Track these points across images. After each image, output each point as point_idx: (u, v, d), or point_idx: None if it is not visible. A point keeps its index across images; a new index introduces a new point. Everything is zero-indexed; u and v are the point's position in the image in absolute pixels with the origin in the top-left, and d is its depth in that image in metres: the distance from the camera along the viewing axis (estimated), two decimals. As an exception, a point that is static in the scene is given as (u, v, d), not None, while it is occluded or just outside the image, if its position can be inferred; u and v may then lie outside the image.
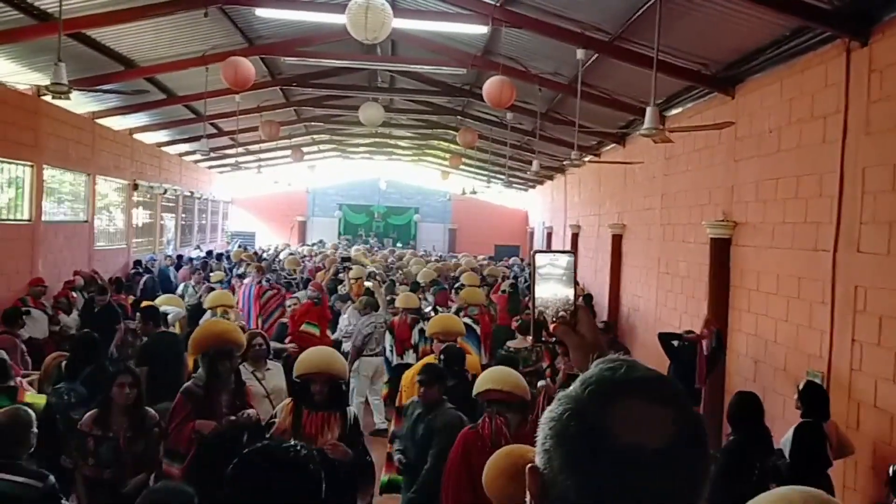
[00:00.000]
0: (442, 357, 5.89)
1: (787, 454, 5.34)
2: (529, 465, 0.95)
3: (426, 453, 4.77)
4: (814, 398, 5.47)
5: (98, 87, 10.43)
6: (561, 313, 1.36)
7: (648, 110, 6.19)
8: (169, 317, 8.50)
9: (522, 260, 25.00)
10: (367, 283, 11.93)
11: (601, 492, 0.87)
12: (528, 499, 0.96)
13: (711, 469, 0.94)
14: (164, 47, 10.90)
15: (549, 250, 1.42)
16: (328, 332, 9.60)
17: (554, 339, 1.37)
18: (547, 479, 0.92)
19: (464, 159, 21.87)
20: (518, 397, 4.34)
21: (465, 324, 8.47)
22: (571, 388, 0.95)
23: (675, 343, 7.92)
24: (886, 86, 5.71)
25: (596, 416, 0.89)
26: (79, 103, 12.54)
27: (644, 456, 0.86)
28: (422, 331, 9.10)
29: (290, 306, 9.61)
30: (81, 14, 8.42)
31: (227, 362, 4.82)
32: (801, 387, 5.55)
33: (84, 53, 9.96)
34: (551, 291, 1.37)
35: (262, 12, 9.13)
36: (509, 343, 8.10)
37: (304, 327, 8.70)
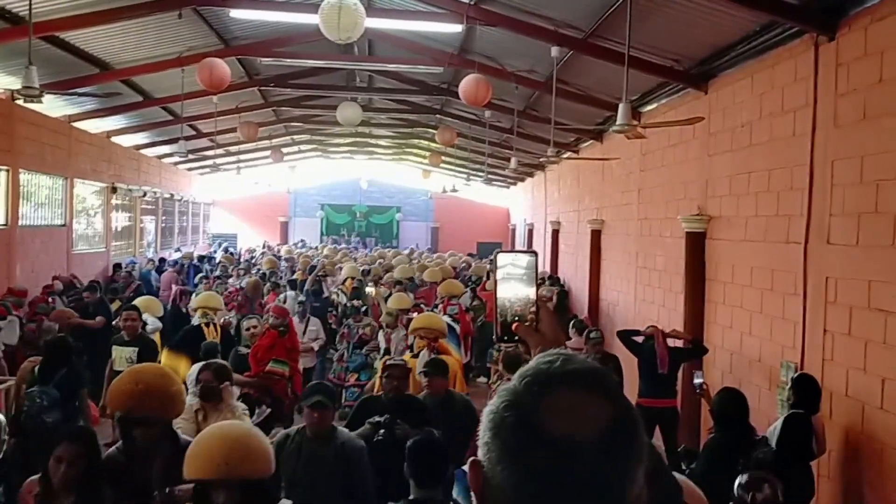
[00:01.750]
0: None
1: (773, 443, 5.40)
2: (472, 458, 0.96)
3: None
4: (807, 390, 5.54)
5: (72, 91, 10.34)
6: (530, 315, 1.38)
7: (621, 106, 6.25)
8: (148, 326, 8.45)
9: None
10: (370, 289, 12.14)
11: (536, 482, 0.89)
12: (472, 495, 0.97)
13: (646, 459, 0.94)
14: (139, 49, 10.85)
15: (511, 250, 1.44)
16: (299, 366, 8.10)
17: (516, 338, 1.39)
18: (486, 472, 0.94)
19: (444, 157, 21.89)
20: None
21: (446, 322, 8.51)
22: (509, 383, 0.97)
23: (636, 338, 8.18)
24: (853, 79, 5.80)
25: (530, 407, 0.91)
26: (54, 107, 12.46)
27: (577, 446, 0.88)
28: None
29: (247, 330, 8.07)
30: (53, 17, 8.37)
31: (144, 429, 3.60)
32: (794, 377, 5.61)
33: (58, 56, 9.89)
34: (513, 291, 1.39)
35: (236, 13, 9.11)
36: (499, 344, 8.03)
37: (270, 366, 7.10)
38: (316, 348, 10.08)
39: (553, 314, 1.46)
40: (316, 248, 23.52)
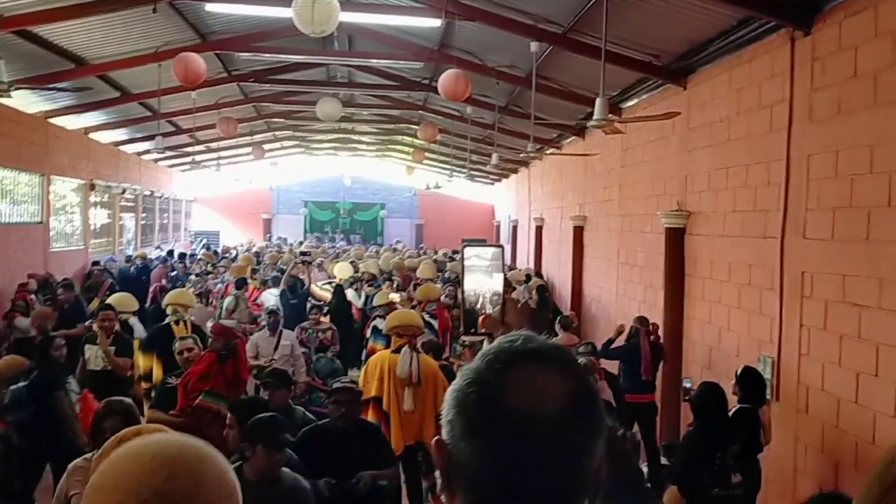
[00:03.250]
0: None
1: None
2: (436, 437, 0.99)
3: None
4: (752, 383, 5.54)
5: (44, 86, 10.18)
6: (496, 308, 1.40)
7: (598, 101, 6.23)
8: (135, 332, 8.36)
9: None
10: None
11: (498, 456, 0.92)
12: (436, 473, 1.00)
13: (604, 433, 0.98)
14: (115, 44, 10.70)
15: (477, 243, 1.45)
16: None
17: (483, 330, 1.41)
18: (451, 450, 0.96)
19: (427, 154, 21.83)
20: None
21: (423, 319, 8.46)
22: (472, 363, 1.00)
23: (614, 346, 8.37)
24: (828, 74, 5.80)
25: (492, 383, 0.94)
26: (29, 102, 12.29)
27: (538, 420, 0.91)
28: (375, 328, 9.12)
29: (180, 354, 6.30)
30: (25, 11, 8.23)
31: None
32: (737, 371, 5.62)
33: (32, 52, 9.74)
34: (478, 283, 1.41)
35: (211, 7, 9.01)
36: (464, 338, 8.02)
37: (200, 399, 5.63)
38: (304, 379, 8.03)
39: (518, 307, 1.48)
40: (290, 245, 23.30)
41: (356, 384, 5.28)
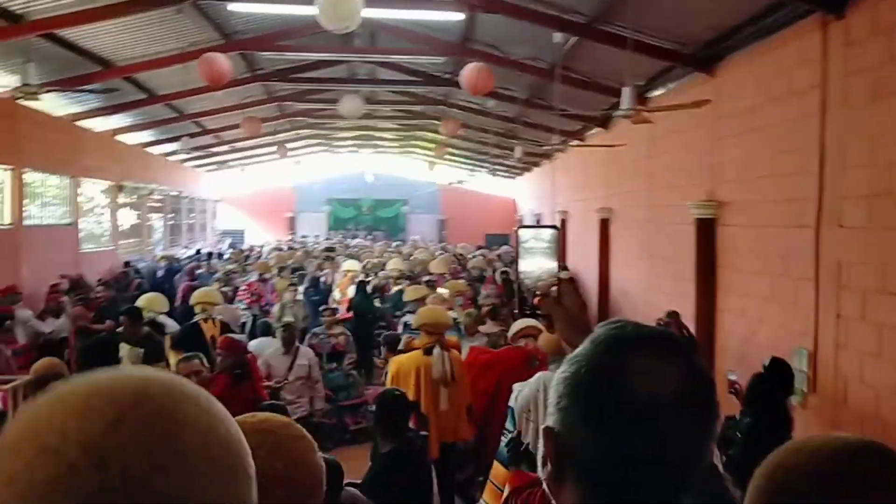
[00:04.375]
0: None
1: None
2: (544, 426, 0.98)
3: None
4: (780, 375, 5.42)
5: (73, 88, 10.28)
6: (540, 284, 1.40)
7: (624, 91, 6.16)
8: (167, 328, 8.44)
9: (513, 248, 24.99)
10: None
11: (620, 442, 0.90)
12: (543, 464, 0.99)
13: (719, 414, 0.97)
14: (141, 46, 10.78)
15: (533, 225, 1.47)
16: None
17: (539, 311, 1.41)
18: (563, 438, 0.95)
19: (449, 149, 21.79)
20: None
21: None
22: (580, 348, 0.99)
23: None
24: (863, 58, 5.67)
25: (612, 369, 0.93)
26: (58, 105, 12.43)
27: (660, 405, 0.90)
28: (406, 324, 9.06)
29: (187, 378, 5.80)
30: (52, 14, 8.31)
31: None
32: (766, 363, 5.50)
33: (60, 55, 9.86)
34: (536, 264, 1.42)
35: (234, 7, 9.03)
36: (480, 328, 7.89)
37: None
38: (321, 406, 7.60)
39: (575, 289, 1.47)
40: (302, 242, 23.28)
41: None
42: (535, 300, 1.38)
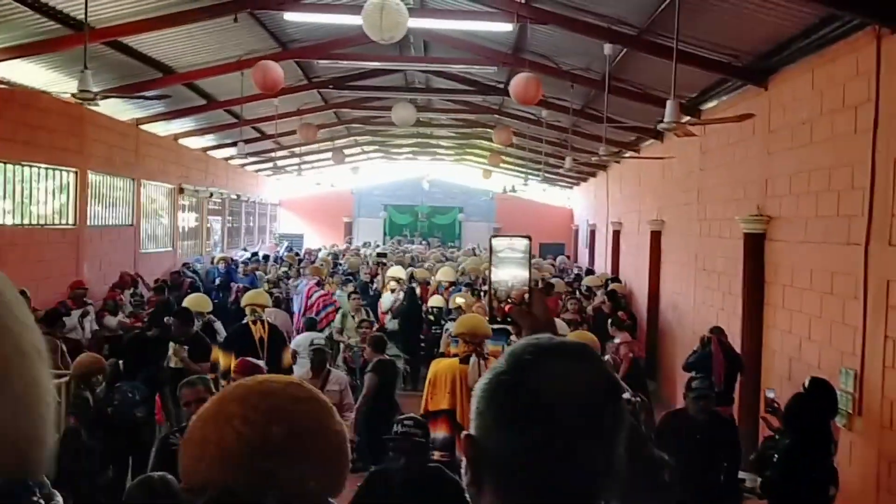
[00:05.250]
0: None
1: None
2: (464, 433, 1.03)
3: None
4: (822, 395, 5.29)
5: (131, 95, 10.67)
6: (514, 293, 1.42)
7: (668, 104, 6.10)
8: (217, 336, 8.71)
9: (569, 258, 24.81)
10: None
11: (528, 442, 0.95)
12: (465, 471, 1.04)
13: (628, 426, 1.02)
14: (200, 53, 11.12)
15: (507, 235, 1.49)
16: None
17: (508, 318, 1.45)
18: (480, 443, 1.00)
19: (504, 158, 21.79)
20: None
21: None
22: (499, 360, 1.05)
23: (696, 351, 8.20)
24: (917, 73, 5.51)
25: (523, 374, 0.99)
26: (122, 110, 12.89)
27: (567, 407, 0.96)
28: (447, 331, 9.11)
29: (186, 405, 4.97)
30: (114, 23, 8.65)
31: None
32: (806, 384, 5.37)
33: (123, 62, 10.23)
34: (510, 274, 1.44)
35: (289, 16, 9.24)
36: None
37: None
38: (350, 437, 7.66)
39: (544, 298, 1.51)
40: (357, 248, 23.41)
41: (420, 426, 4.63)
42: (507, 308, 1.43)
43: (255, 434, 1.14)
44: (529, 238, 1.48)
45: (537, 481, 0.96)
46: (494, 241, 1.47)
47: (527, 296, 1.45)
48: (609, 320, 9.23)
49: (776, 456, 5.32)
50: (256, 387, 1.23)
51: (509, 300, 1.44)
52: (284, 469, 1.14)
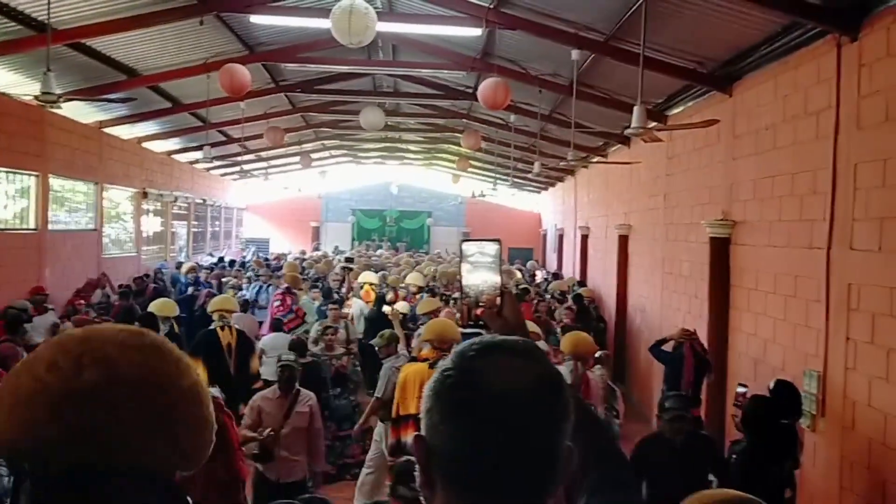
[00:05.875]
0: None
1: None
2: (415, 434, 1.04)
3: None
4: (786, 397, 5.39)
5: (95, 97, 10.50)
6: (485, 297, 1.43)
7: (635, 109, 6.15)
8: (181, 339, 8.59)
9: (538, 262, 24.92)
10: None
11: (473, 433, 0.97)
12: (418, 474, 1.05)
13: (572, 417, 1.04)
14: (166, 56, 10.99)
15: (477, 239, 1.49)
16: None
17: (480, 322, 1.45)
18: (429, 443, 1.01)
19: (472, 162, 21.85)
20: None
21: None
22: (447, 360, 1.07)
23: (664, 347, 8.23)
24: (876, 80, 5.62)
25: (467, 367, 1.02)
26: (85, 113, 12.68)
27: (509, 398, 0.98)
28: (419, 336, 9.05)
29: None
30: (77, 24, 8.51)
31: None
32: (771, 386, 5.46)
33: (86, 64, 10.07)
34: (481, 278, 1.45)
35: (255, 19, 9.18)
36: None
37: None
38: (322, 467, 6.54)
39: (515, 301, 1.52)
40: (326, 254, 23.16)
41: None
42: (478, 311, 1.44)
43: (58, 381, 0.96)
44: (500, 241, 1.48)
45: (483, 478, 0.97)
46: (465, 246, 1.47)
47: (498, 299, 1.45)
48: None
49: (734, 457, 5.41)
50: (81, 332, 1.05)
51: (480, 304, 1.45)
52: (101, 424, 0.96)
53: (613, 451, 1.52)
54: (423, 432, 1.03)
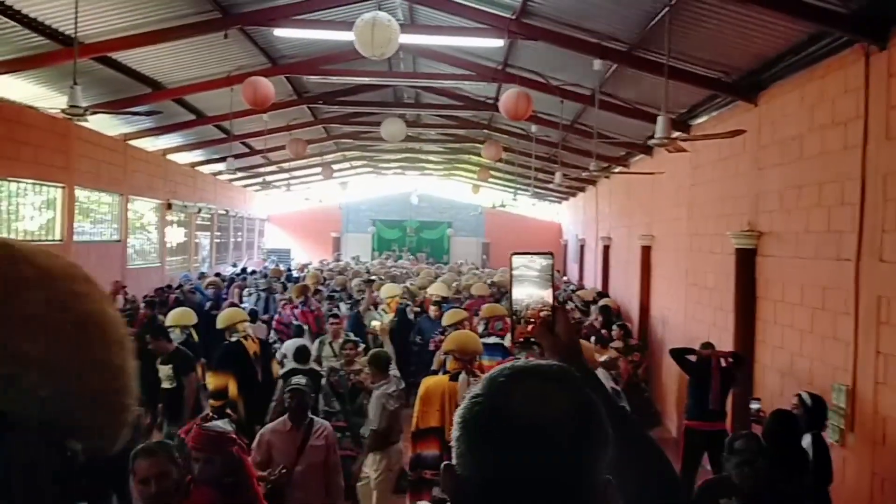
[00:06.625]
0: None
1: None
2: (444, 463, 1.02)
3: None
4: (814, 409, 5.30)
5: (121, 111, 10.62)
6: (543, 312, 1.40)
7: (659, 119, 6.10)
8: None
9: (559, 272, 24.81)
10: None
11: (503, 465, 0.94)
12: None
13: (610, 448, 0.99)
14: (190, 69, 11.10)
15: (526, 252, 1.46)
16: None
17: (532, 339, 1.42)
18: (458, 471, 0.99)
19: (493, 173, 21.83)
20: None
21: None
22: (476, 387, 1.04)
23: (690, 357, 8.10)
24: (906, 89, 5.54)
25: (497, 396, 0.98)
26: (110, 125, 12.83)
27: (541, 429, 0.94)
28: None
29: (142, 483, 3.40)
30: (103, 38, 8.62)
31: None
32: (804, 397, 5.36)
33: (112, 77, 10.19)
34: (527, 292, 1.41)
35: (279, 33, 9.23)
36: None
37: None
38: None
39: (568, 318, 1.48)
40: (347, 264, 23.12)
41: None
42: (529, 328, 1.40)
43: None
44: (552, 255, 1.44)
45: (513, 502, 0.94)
46: (513, 259, 1.44)
47: (550, 316, 1.41)
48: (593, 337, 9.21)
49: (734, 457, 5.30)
50: None
51: (530, 321, 1.42)
52: None
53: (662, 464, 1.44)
54: (453, 461, 1.00)
